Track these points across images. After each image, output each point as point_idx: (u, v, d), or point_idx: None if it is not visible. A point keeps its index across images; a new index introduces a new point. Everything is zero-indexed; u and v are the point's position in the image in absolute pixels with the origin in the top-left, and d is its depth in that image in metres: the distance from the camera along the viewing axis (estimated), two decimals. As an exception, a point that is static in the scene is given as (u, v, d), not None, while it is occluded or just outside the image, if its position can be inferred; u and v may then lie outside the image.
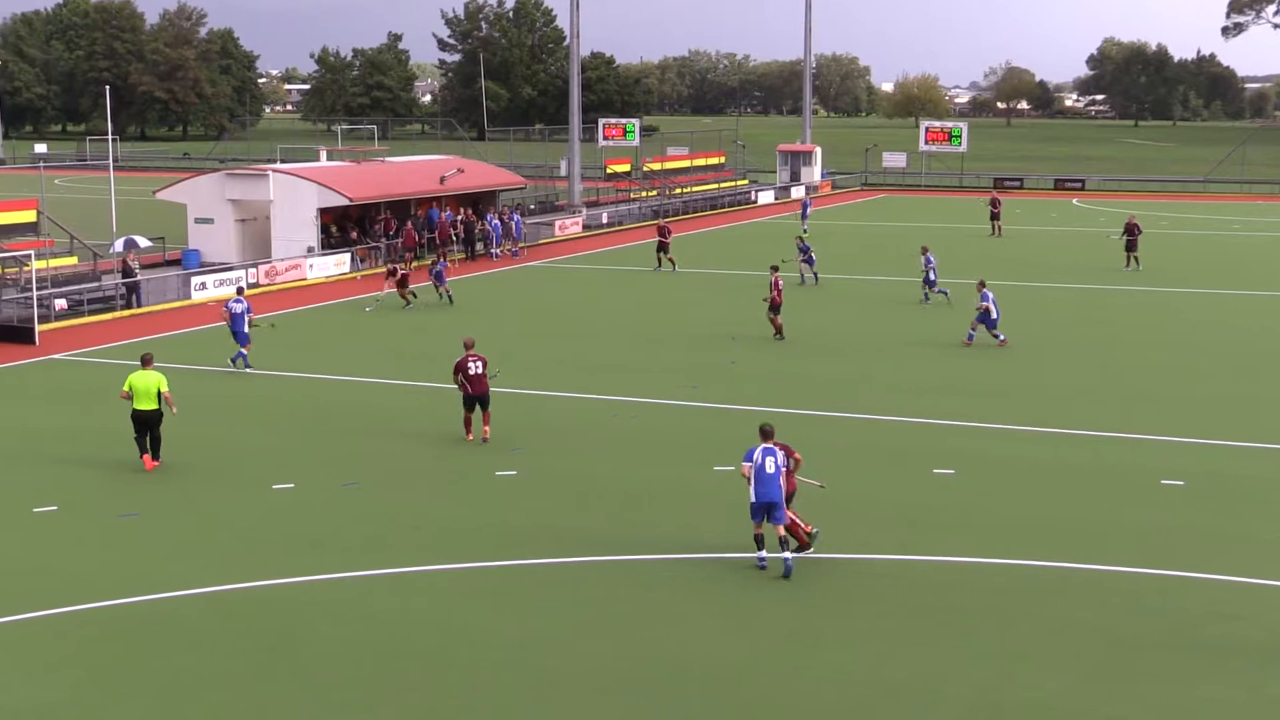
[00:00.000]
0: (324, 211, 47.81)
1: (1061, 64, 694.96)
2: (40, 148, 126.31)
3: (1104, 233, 58.59)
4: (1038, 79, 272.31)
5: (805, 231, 57.05)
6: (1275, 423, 25.15)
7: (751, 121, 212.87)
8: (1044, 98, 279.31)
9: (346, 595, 16.30)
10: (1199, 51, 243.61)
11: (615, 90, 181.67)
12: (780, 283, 33.90)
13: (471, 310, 38.50)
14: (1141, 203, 79.31)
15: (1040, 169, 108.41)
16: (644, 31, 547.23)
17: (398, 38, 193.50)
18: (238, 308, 29.94)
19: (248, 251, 47.55)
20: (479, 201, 55.87)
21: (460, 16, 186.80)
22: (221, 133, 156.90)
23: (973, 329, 33.09)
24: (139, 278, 39.80)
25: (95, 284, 39.81)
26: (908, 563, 17.50)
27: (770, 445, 17.00)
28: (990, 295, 32.77)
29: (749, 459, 16.94)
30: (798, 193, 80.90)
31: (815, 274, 44.17)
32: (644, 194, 78.40)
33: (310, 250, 46.67)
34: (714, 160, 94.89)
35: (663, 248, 48.10)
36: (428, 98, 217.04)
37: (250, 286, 41.04)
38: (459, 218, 51.80)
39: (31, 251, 36.66)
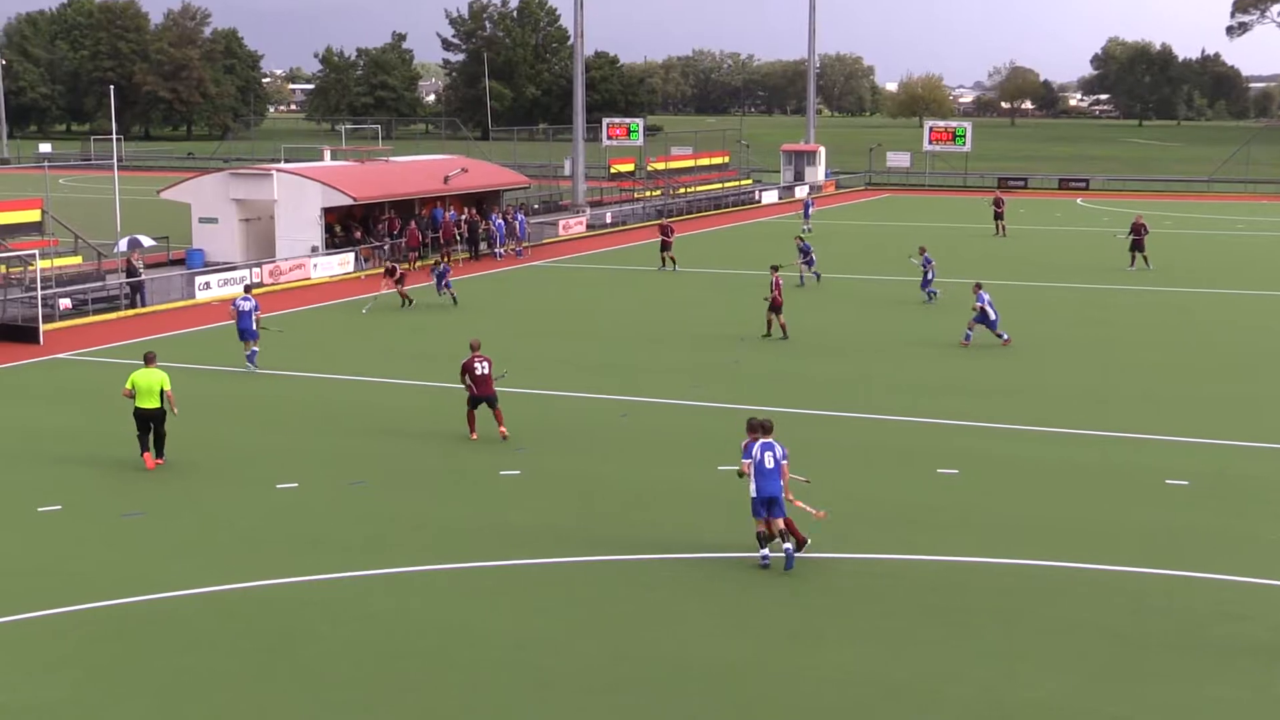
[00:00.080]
0: (328, 211, 47.86)
1: (1066, 64, 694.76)
2: (45, 147, 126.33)
3: (1109, 232, 58.46)
4: (1042, 79, 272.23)
5: (808, 231, 57.05)
6: (1280, 422, 25.09)
7: (755, 121, 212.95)
8: (1048, 97, 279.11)
9: (347, 595, 16.27)
10: (1203, 51, 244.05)
11: (619, 90, 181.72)
12: (780, 282, 33.89)
13: (475, 310, 38.47)
14: (1146, 202, 79.20)
15: (1044, 169, 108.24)
16: (648, 31, 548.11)
17: (402, 37, 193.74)
18: (246, 305, 29.96)
19: (252, 251, 47.59)
20: (483, 201, 55.84)
21: (464, 16, 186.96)
22: (225, 132, 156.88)
23: (970, 330, 33.02)
24: (143, 277, 39.82)
25: (100, 283, 39.81)
26: (910, 563, 17.45)
27: (769, 440, 17.04)
28: (986, 296, 32.67)
29: (748, 455, 16.97)
30: (801, 192, 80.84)
31: (816, 273, 44.11)
32: (648, 194, 78.41)
33: (314, 250, 46.69)
34: (718, 160, 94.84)
35: (665, 247, 48.07)
36: (432, 97, 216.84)
37: (254, 286, 40.92)
38: (463, 217, 51.75)
39: (36, 251, 36.65)
